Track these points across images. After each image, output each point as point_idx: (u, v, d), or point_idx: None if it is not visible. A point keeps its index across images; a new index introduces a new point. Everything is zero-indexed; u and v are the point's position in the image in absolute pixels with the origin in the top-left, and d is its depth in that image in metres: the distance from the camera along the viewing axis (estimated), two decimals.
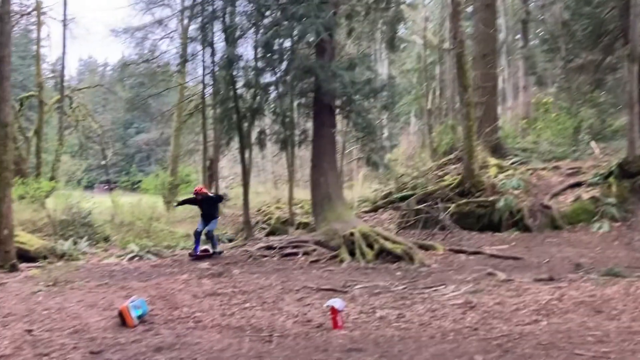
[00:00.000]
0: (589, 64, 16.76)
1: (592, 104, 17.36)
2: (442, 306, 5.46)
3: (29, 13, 24.31)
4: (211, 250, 10.54)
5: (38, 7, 22.37)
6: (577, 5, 16.15)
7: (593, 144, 15.16)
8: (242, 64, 12.75)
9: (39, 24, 22.35)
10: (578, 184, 12.49)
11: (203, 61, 16.04)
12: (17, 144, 20.09)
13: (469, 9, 19.32)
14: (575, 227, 11.18)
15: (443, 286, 6.63)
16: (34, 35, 26.23)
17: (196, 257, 10.30)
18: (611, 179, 11.79)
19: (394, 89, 12.57)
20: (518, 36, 23.80)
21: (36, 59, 23.06)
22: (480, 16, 15.97)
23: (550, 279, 6.98)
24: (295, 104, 14.02)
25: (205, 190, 11.16)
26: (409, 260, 8.78)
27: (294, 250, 9.98)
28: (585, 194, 11.94)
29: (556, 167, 13.79)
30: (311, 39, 11.41)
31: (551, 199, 12.07)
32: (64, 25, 21.12)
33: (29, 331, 4.80)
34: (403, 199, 13.86)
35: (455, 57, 13.26)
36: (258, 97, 12.91)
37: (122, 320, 5.01)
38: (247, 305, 5.90)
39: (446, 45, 18.01)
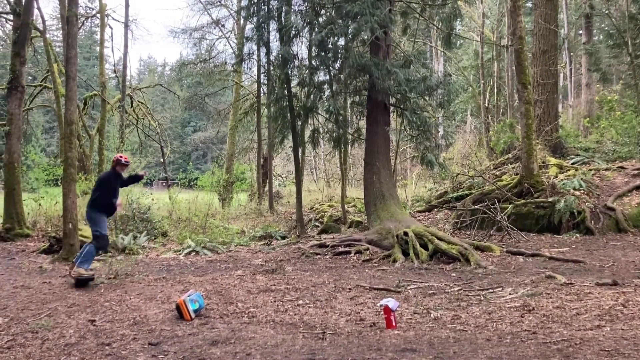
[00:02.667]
0: None
1: None
2: (498, 309, 5.32)
3: (93, 15, 25.33)
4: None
5: (102, 10, 23.23)
6: None
7: None
8: (296, 62, 12.85)
9: (103, 25, 23.20)
10: None
11: (258, 60, 16.29)
12: (81, 142, 20.97)
13: (529, 4, 18.77)
14: None
15: (500, 288, 6.47)
16: (97, 36, 27.28)
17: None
18: None
19: (450, 87, 12.31)
20: (581, 31, 22.93)
21: (99, 59, 23.95)
22: (540, 11, 15.48)
23: (614, 284, 6.69)
24: (348, 102, 14.03)
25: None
26: (465, 262, 8.60)
27: (347, 248, 9.98)
28: None
29: (621, 168, 13.23)
30: (365, 37, 11.38)
31: (615, 200, 11.58)
32: (126, 27, 21.85)
33: (92, 321, 5.00)
34: (458, 198, 13.63)
35: (514, 53, 12.90)
36: (312, 96, 12.98)
37: (180, 313, 5.14)
38: (300, 302, 5.93)
39: (504, 41, 17.54)
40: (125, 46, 21.47)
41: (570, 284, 6.64)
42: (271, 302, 5.95)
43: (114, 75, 26.38)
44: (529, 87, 12.26)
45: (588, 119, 19.28)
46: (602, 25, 21.22)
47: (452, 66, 26.82)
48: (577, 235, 10.83)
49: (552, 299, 5.67)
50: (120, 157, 7.42)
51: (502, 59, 21.24)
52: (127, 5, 22.01)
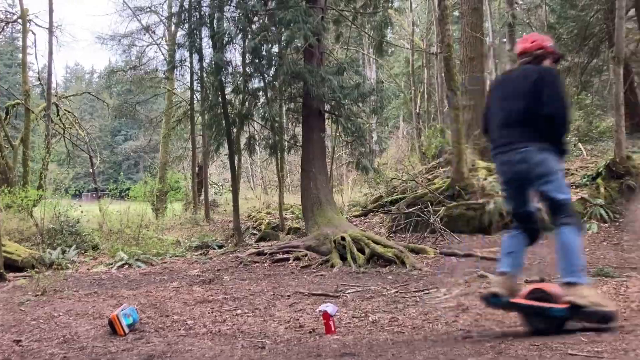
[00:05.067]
0: (575, 67, 16.93)
1: (579, 106, 17.51)
2: (434, 309, 5.45)
3: (14, 21, 24.13)
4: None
5: (23, 15, 22.20)
6: (562, 9, 16.33)
7: (581, 145, 15.29)
8: (230, 69, 12.74)
9: (25, 31, 22.17)
10: (570, 185, 12.58)
11: (191, 67, 16.02)
12: (3, 153, 19.90)
13: (456, 13, 19.46)
14: None
15: (435, 289, 6.63)
16: (19, 43, 26.02)
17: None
18: (599, 180, 11.89)
19: (383, 93, 12.58)
20: (505, 39, 23.98)
21: (22, 66, 22.84)
22: (467, 20, 16.07)
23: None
24: (284, 109, 14.03)
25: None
26: (401, 264, 8.76)
27: (285, 255, 9.96)
28: (574, 195, 12.00)
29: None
30: (299, 44, 11.44)
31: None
32: (50, 33, 20.97)
33: (17, 342, 4.73)
34: (393, 202, 13.89)
35: (442, 61, 13.32)
36: (247, 103, 12.90)
37: (113, 329, 4.94)
38: (239, 311, 5.85)
39: (433, 49, 18.09)
40: (50, 53, 20.59)
41: None
42: (209, 313, 5.84)
43: (38, 83, 25.24)
44: (458, 93, 12.68)
45: None
46: (524, 33, 22.27)
47: (384, 73, 27.37)
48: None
49: None
50: None
51: (432, 66, 21.90)
52: (50, 11, 21.06)
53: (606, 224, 11.09)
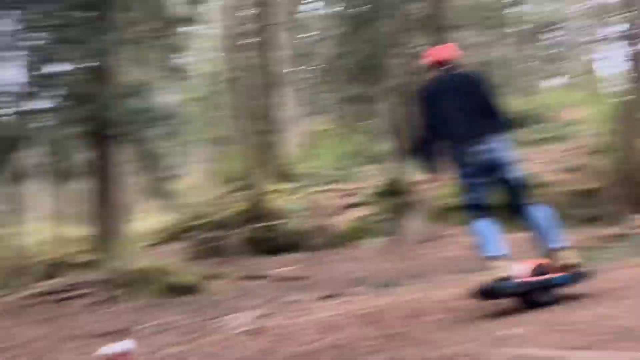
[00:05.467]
0: (358, 96, 18.49)
1: (363, 131, 19.15)
2: (231, 335, 5.44)
3: None
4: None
5: None
6: (346, 42, 17.77)
7: (365, 166, 16.68)
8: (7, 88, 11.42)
9: None
10: (354, 204, 13.64)
11: None
12: None
13: (250, 40, 20.00)
14: (353, 244, 12.15)
15: (233, 314, 6.63)
16: None
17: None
18: (381, 198, 13.12)
19: (179, 117, 12.38)
20: (297, 68, 25.32)
21: None
22: (259, 48, 16.62)
23: (333, 295, 7.44)
24: (71, 132, 12.93)
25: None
26: (199, 292, 8.62)
27: (72, 293, 9.11)
28: (360, 212, 13.08)
29: (335, 189, 14.88)
30: (90, 64, 10.74)
31: (332, 218, 12.96)
32: None
33: None
34: (192, 229, 13.64)
35: (237, 86, 13.57)
36: (27, 125, 11.66)
37: None
38: None
39: (230, 75, 18.37)
40: None
41: (297, 300, 7.17)
42: None
43: None
44: (253, 118, 13.01)
45: (307, 147, 21.30)
46: (314, 63, 23.76)
47: (182, 97, 26.95)
48: (302, 254, 11.79)
49: (281, 317, 6.04)
50: None
51: (228, 91, 22.17)
52: None
53: (388, 238, 12.23)
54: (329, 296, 7.36)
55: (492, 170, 4.45)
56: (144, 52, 14.09)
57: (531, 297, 4.29)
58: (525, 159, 14.11)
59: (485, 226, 4.43)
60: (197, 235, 12.64)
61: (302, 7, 23.28)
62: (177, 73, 14.02)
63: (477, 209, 4.51)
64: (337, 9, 18.38)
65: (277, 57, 19.79)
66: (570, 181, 12.85)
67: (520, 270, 4.32)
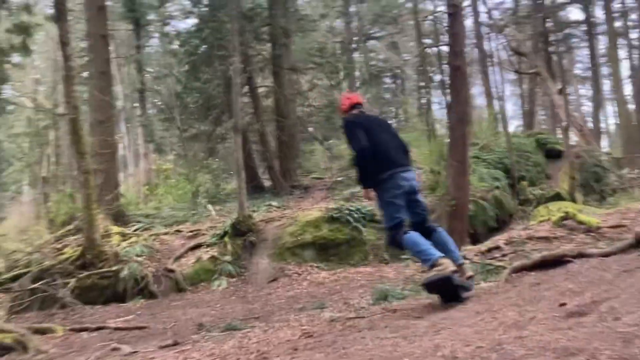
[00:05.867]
0: (202, 134, 18.30)
1: (207, 170, 18.90)
2: None
3: None
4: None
5: None
6: (188, 80, 17.58)
7: (210, 206, 16.40)
8: None
9: None
10: (199, 245, 13.25)
11: None
12: None
13: (85, 74, 18.92)
14: (197, 288, 11.75)
15: None
16: None
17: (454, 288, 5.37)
18: (226, 238, 12.92)
19: (1, 155, 11.17)
20: (136, 105, 24.40)
21: None
22: (95, 82, 15.76)
23: (175, 344, 7.06)
24: None
25: (342, 105, 5.95)
26: (22, 350, 7.66)
27: None
28: (205, 254, 12.73)
29: (178, 231, 14.38)
30: None
31: (174, 262, 12.45)
32: None
33: None
34: (15, 279, 12.23)
35: (69, 122, 12.65)
36: None
37: None
38: None
39: (60, 109, 17.11)
40: None
41: (135, 352, 6.68)
42: None
43: None
44: (87, 156, 12.16)
45: (147, 186, 20.44)
46: (154, 100, 23.13)
47: (3, 132, 24.50)
48: (142, 300, 11.12)
49: None
50: None
51: (59, 127, 20.63)
52: None
53: (234, 279, 12.05)
54: (170, 345, 6.98)
55: (409, 195, 5.40)
56: None
57: (457, 292, 5.18)
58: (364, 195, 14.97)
59: (417, 237, 5.15)
60: (22, 286, 11.35)
61: (144, 42, 22.61)
62: (1, 107, 12.74)
63: (402, 227, 5.27)
64: (178, 47, 18.17)
65: (116, 92, 18.92)
66: None
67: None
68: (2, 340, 7.90)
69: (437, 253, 5.05)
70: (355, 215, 13.03)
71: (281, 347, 5.31)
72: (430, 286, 5.18)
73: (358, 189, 15.60)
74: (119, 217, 14.93)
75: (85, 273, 11.44)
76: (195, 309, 10.11)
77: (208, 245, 13.05)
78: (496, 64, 26.69)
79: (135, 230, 14.33)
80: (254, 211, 14.43)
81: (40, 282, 11.12)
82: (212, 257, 12.47)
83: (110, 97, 16.04)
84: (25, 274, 11.97)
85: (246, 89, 17.92)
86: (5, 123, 23.06)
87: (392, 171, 5.27)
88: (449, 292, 5.19)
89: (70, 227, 14.26)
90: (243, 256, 12.77)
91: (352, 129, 5.38)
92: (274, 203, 15.58)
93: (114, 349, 7.11)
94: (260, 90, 19.12)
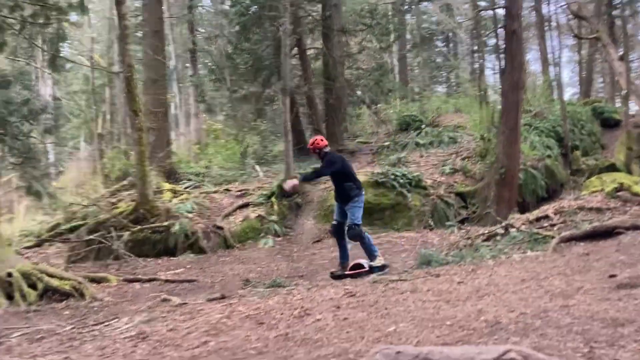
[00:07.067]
0: (251, 95, 18.42)
1: (255, 131, 19.10)
2: (113, 341, 5.18)
3: None
4: (366, 265, 7.70)
5: None
6: (238, 41, 17.62)
7: (257, 167, 16.65)
8: None
9: None
10: (246, 205, 13.53)
11: None
12: None
13: (139, 34, 19.24)
14: (244, 245, 12.07)
15: (116, 320, 6.32)
16: None
17: (341, 276, 7.67)
18: (273, 199, 13.14)
19: (59, 111, 11.64)
20: (187, 64, 24.71)
21: None
22: (149, 42, 16.03)
23: (222, 297, 7.33)
24: None
25: (320, 143, 7.99)
26: (79, 297, 8.13)
27: None
28: (252, 213, 13.01)
29: (227, 190, 14.69)
30: None
31: (223, 219, 12.78)
32: None
33: None
34: (73, 230, 12.85)
35: (124, 81, 12.98)
36: None
37: None
38: None
39: (115, 68, 17.53)
40: None
41: (184, 303, 6.98)
42: None
43: None
44: (140, 114, 12.49)
45: (197, 145, 20.86)
46: (205, 60, 23.35)
47: (62, 90, 25.35)
48: (192, 255, 11.52)
49: (167, 322, 5.84)
50: None
51: (114, 85, 21.18)
52: None
53: (279, 238, 12.30)
54: (218, 298, 7.25)
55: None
56: (23, 40, 13.09)
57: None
58: (411, 161, 14.89)
59: (369, 237, 7.90)
60: (79, 237, 11.92)
61: (196, 2, 22.73)
62: (58, 64, 13.13)
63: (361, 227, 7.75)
64: (229, 7, 18.16)
65: (169, 52, 19.23)
66: (451, 183, 13.66)
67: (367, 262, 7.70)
68: (62, 286, 8.39)
69: (376, 249, 7.98)
70: (401, 181, 12.99)
71: (324, 304, 5.45)
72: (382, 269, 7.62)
73: (404, 154, 15.52)
74: (171, 175, 15.34)
75: (138, 227, 11.89)
76: (242, 265, 10.42)
77: (255, 205, 13.31)
78: (554, 28, 25.63)
79: (185, 188, 14.72)
80: (300, 173, 14.56)
81: (96, 234, 11.63)
82: (259, 217, 12.74)
83: (163, 56, 16.31)
84: (82, 225, 12.55)
85: (295, 50, 17.87)
86: (64, 81, 23.83)
87: (362, 191, 7.98)
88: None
89: (124, 182, 14.78)
90: (289, 217, 13.00)
91: (341, 164, 7.97)
92: (320, 166, 15.65)
93: (165, 300, 7.44)
94: (310, 52, 19.02)
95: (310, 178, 8.60)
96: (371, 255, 7.74)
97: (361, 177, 13.36)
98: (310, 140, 8.24)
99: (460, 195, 13.44)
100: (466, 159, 14.72)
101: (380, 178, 13.03)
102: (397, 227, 12.36)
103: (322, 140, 7.98)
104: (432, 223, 12.46)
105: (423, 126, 17.50)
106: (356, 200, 7.71)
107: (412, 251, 9.72)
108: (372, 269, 7.55)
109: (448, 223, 12.25)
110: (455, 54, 30.48)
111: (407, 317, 4.13)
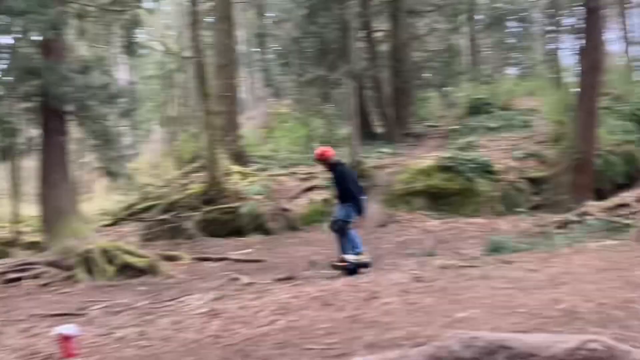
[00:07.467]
0: (317, 79, 18.41)
1: (321, 114, 19.12)
2: (186, 317, 5.39)
3: None
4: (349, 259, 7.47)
5: None
6: (306, 25, 17.63)
7: None
8: None
9: None
10: (312, 188, 13.63)
11: None
12: None
13: (209, 19, 19.61)
14: (310, 227, 12.18)
15: (188, 296, 6.55)
16: None
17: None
18: None
19: (134, 95, 12.05)
20: (256, 49, 25.00)
21: None
22: (219, 27, 16.33)
23: (289, 278, 7.46)
24: (17, 108, 12.48)
25: (328, 154, 7.89)
26: (154, 273, 8.51)
27: (20, 274, 8.82)
28: (318, 196, 13.09)
29: (293, 173, 14.83)
30: (36, 38, 10.31)
31: (289, 202, 12.95)
32: None
33: None
34: (147, 209, 13.41)
35: (195, 65, 13.31)
36: None
37: None
38: None
39: (187, 53, 17.98)
40: None
41: (253, 283, 7.15)
42: None
43: None
44: (211, 98, 12.79)
45: (265, 129, 21.15)
46: (273, 44, 23.51)
47: (137, 75, 26.29)
48: (259, 236, 11.77)
49: (236, 300, 6.00)
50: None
51: (185, 70, 21.73)
52: None
53: None
54: (285, 279, 7.38)
55: None
56: (99, 26, 13.66)
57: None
58: (480, 145, 14.49)
59: (355, 234, 7.63)
60: (153, 217, 12.43)
61: None
62: (134, 50, 13.60)
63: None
64: None
65: (238, 37, 19.52)
66: (523, 168, 13.20)
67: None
68: (137, 263, 8.80)
69: (361, 247, 7.63)
70: (470, 166, 12.68)
71: (392, 288, 5.42)
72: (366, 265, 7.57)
73: (474, 138, 15.12)
74: (239, 157, 15.64)
75: (209, 208, 12.26)
76: (308, 247, 10.53)
77: (321, 188, 13.36)
78: (636, 6, 24.07)
79: (253, 170, 14.98)
80: (365, 157, 14.49)
81: (168, 214, 12.08)
82: (325, 200, 12.79)
83: (232, 41, 16.57)
84: (156, 206, 13.07)
85: (362, 33, 17.69)
86: (139, 66, 24.70)
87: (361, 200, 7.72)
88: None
89: (195, 164, 15.20)
90: None
91: (347, 174, 7.92)
92: (386, 150, 15.50)
93: (234, 279, 7.65)
94: (377, 34, 18.77)
95: (355, 204, 7.68)
96: (345, 250, 7.54)
97: (428, 162, 13.21)
98: (318, 151, 8.16)
99: (533, 181, 12.96)
100: (539, 144, 14.16)
101: (448, 162, 12.77)
102: (465, 212, 12.10)
103: (329, 151, 7.99)
104: (501, 209, 12.11)
105: (494, 109, 16.94)
106: (350, 205, 7.62)
107: (481, 238, 9.49)
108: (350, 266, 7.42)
109: (519, 209, 11.87)
110: (529, 35, 29.23)
111: (477, 303, 4.05)
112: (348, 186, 7.61)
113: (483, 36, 26.38)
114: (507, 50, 28.96)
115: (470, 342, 2.19)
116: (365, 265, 7.48)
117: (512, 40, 29.53)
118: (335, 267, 7.48)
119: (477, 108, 17.48)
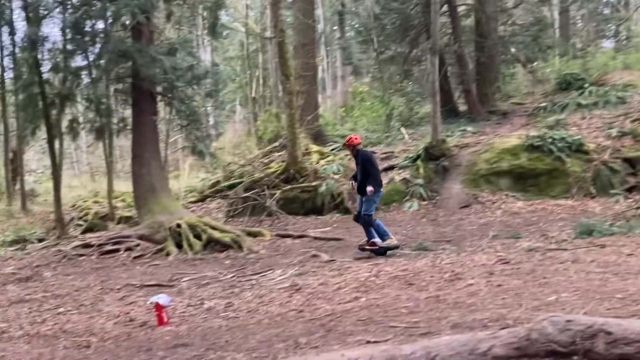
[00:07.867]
0: (398, 56, 18.11)
1: (401, 93, 18.81)
2: (269, 291, 5.53)
3: None
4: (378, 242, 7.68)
5: None
6: (386, 1, 17.33)
7: (403, 130, 16.45)
8: (48, 45, 11.61)
9: None
10: (391, 167, 13.47)
11: (0, 42, 14.36)
12: None
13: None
14: (389, 208, 12.09)
15: (271, 271, 6.73)
16: None
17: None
18: (419, 162, 12.93)
19: (218, 76, 12.37)
20: (335, 27, 24.91)
21: None
22: (299, 6, 16.37)
23: (369, 257, 7.47)
24: (111, 89, 13.17)
25: (355, 141, 8.08)
26: (238, 248, 8.78)
27: (115, 246, 9.40)
28: (398, 176, 12.94)
29: (372, 152, 14.72)
30: (127, 22, 10.79)
31: None
32: None
33: None
34: (230, 187, 13.82)
35: (276, 46, 13.44)
36: (68, 82, 11.87)
37: None
38: (61, 309, 5.41)
39: (267, 33, 18.20)
40: None
41: (333, 260, 7.22)
42: (25, 313, 5.32)
43: None
44: (291, 78, 12.90)
45: (344, 108, 21.12)
46: (353, 22, 23.34)
47: (219, 56, 26.96)
48: (338, 215, 11.83)
49: (317, 276, 6.09)
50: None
51: (266, 50, 22.03)
52: None
53: (425, 202, 12.12)
54: (365, 257, 7.40)
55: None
56: (184, 9, 14.08)
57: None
58: (571, 124, 13.77)
59: (380, 223, 7.88)
60: (237, 194, 12.81)
61: None
62: (217, 31, 13.91)
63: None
64: None
65: (318, 15, 19.53)
66: (617, 148, 12.42)
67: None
68: (223, 238, 9.11)
69: (388, 233, 7.81)
70: (559, 145, 12.06)
71: (476, 270, 5.30)
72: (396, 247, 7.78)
73: (564, 115, 14.38)
74: (318, 137, 15.74)
75: (289, 186, 12.46)
76: (387, 227, 10.43)
77: (400, 168, 13.20)
78: None
79: (332, 150, 15.03)
80: (448, 136, 14.14)
81: (251, 192, 12.39)
82: (404, 180, 12.64)
83: (312, 20, 16.58)
84: (239, 183, 13.44)
85: (445, 8, 17.15)
86: (221, 47, 25.32)
87: (382, 187, 8.20)
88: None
89: (276, 144, 15.47)
90: (435, 180, 12.72)
91: (373, 161, 8.14)
92: (469, 128, 15.05)
93: (314, 256, 7.76)
94: (460, 8, 18.12)
95: (374, 185, 7.84)
96: (371, 237, 7.80)
97: (514, 141, 12.70)
98: (347, 137, 8.45)
99: (629, 161, 12.15)
100: (637, 121, 13.23)
101: (535, 141, 12.20)
102: (553, 194, 11.57)
103: (356, 138, 8.24)
104: (593, 191, 11.47)
105: (586, 85, 15.97)
106: (371, 189, 7.76)
107: (570, 220, 9.05)
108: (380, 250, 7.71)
109: (613, 191, 11.19)
110: (627, 4, 27.24)
111: (569, 287, 3.88)
112: (372, 171, 7.89)
113: (575, 7, 24.85)
114: (602, 22, 27.14)
115: (566, 325, 2.09)
116: (394, 247, 7.78)
117: (608, 11, 27.63)
118: (364, 249, 7.76)
119: (567, 84, 16.56)
